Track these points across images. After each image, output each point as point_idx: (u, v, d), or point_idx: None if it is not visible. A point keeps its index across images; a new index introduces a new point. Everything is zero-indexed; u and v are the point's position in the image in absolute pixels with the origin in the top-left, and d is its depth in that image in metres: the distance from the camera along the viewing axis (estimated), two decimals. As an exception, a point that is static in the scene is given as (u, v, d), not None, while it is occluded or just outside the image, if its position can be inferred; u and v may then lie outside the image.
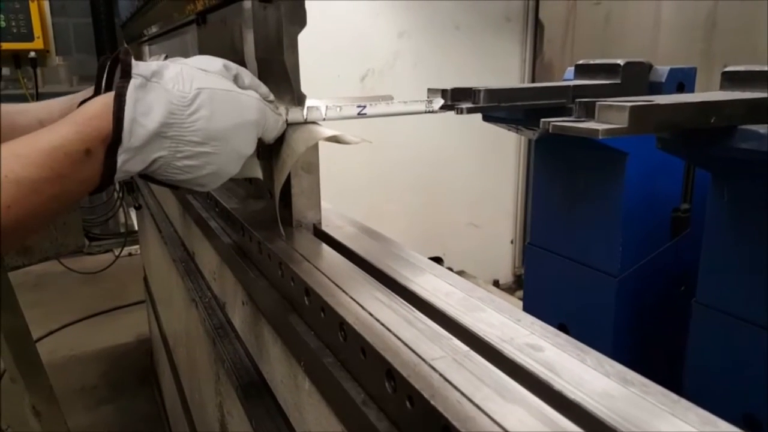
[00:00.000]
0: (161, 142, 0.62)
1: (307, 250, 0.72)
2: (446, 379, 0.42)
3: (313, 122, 0.77)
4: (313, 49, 2.02)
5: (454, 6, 2.38)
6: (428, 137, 2.43)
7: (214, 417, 1.21)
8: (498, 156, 2.67)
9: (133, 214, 4.13)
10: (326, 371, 0.55)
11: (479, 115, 0.96)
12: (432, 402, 0.40)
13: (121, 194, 4.17)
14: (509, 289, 2.75)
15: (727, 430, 0.34)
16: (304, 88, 0.79)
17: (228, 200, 1.01)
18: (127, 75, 0.61)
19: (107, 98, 0.61)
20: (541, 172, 1.15)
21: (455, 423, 0.37)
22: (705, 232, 0.81)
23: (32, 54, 3.94)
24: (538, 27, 2.52)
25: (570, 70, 1.02)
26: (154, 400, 2.77)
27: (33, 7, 3.89)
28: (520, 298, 2.15)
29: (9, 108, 0.80)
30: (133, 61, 0.63)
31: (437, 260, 2.56)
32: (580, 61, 0.98)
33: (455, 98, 0.84)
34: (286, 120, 0.76)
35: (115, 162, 0.61)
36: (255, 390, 0.85)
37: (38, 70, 4.01)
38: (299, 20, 0.75)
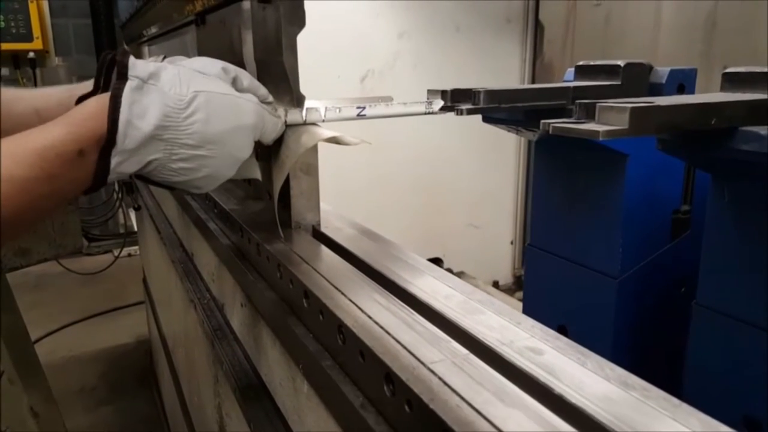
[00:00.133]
0: (156, 144, 0.62)
1: (306, 252, 0.72)
2: (445, 383, 0.42)
3: (312, 123, 0.77)
4: (313, 50, 2.02)
5: (454, 7, 2.38)
6: (428, 138, 2.43)
7: (212, 419, 1.20)
8: (498, 157, 2.67)
9: (132, 214, 4.13)
10: (325, 374, 0.55)
11: (479, 116, 0.95)
12: (431, 406, 0.39)
13: (120, 195, 4.17)
14: (509, 290, 2.74)
15: (729, 434, 0.34)
16: (304, 88, 0.78)
17: (227, 201, 1.01)
18: (123, 76, 0.61)
19: (103, 99, 0.61)
20: (541, 173, 1.15)
21: (454, 427, 0.37)
22: (705, 233, 0.80)
23: (31, 54, 3.94)
24: (538, 28, 2.52)
25: (570, 71, 1.02)
26: (154, 402, 2.76)
27: (32, 8, 3.90)
28: (519, 299, 2.15)
29: (7, 93, 0.80)
30: (131, 62, 0.62)
31: (437, 261, 2.55)
32: (581, 62, 0.98)
33: (455, 99, 0.84)
34: (285, 121, 0.75)
35: (109, 163, 0.60)
36: (253, 392, 0.84)
37: (37, 71, 4.01)
38: (298, 21, 0.75)
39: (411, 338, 0.49)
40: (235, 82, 0.70)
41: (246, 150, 0.69)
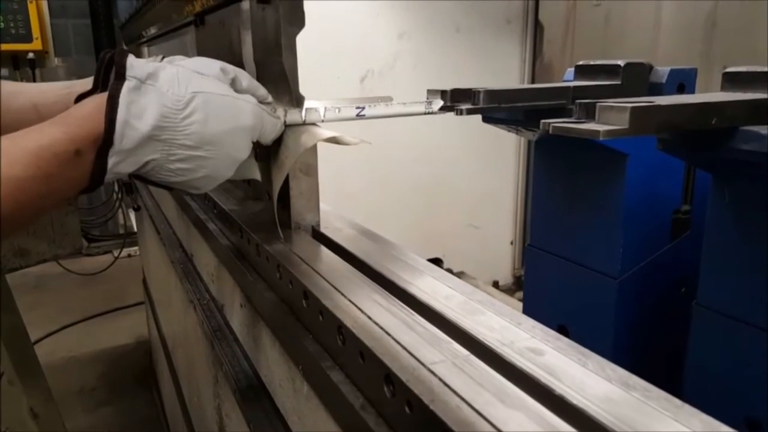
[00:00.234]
0: (154, 145, 0.62)
1: (305, 253, 0.72)
2: (446, 384, 0.42)
3: (312, 123, 0.77)
4: (313, 50, 2.02)
5: (454, 7, 2.38)
6: (428, 138, 2.43)
7: (212, 419, 1.20)
8: (498, 157, 2.66)
9: (132, 215, 4.12)
10: (324, 375, 0.54)
11: (479, 117, 0.95)
12: (431, 407, 0.39)
13: (120, 196, 4.17)
14: (509, 291, 2.74)
15: (731, 436, 0.34)
16: (303, 89, 0.78)
17: (226, 202, 1.00)
18: (121, 77, 0.61)
19: (100, 99, 0.61)
20: (541, 173, 1.15)
21: (455, 428, 0.37)
22: (705, 233, 0.80)
23: (31, 55, 3.93)
24: (537, 28, 2.52)
25: (570, 71, 1.01)
26: (153, 402, 2.76)
27: (32, 8, 3.89)
28: (519, 300, 2.15)
29: (7, 87, 0.80)
30: (130, 62, 0.62)
31: (437, 261, 2.55)
32: (581, 62, 0.98)
33: (455, 99, 0.84)
34: (285, 122, 0.75)
35: (106, 164, 0.60)
36: (253, 393, 0.84)
37: (37, 71, 4.00)
38: (298, 21, 0.75)
39: (411, 339, 0.49)
40: (233, 83, 0.70)
41: (244, 151, 0.69)
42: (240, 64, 0.89)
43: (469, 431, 0.37)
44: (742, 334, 0.76)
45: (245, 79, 0.72)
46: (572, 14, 2.35)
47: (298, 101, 0.77)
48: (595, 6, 2.24)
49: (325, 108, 0.76)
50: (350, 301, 0.57)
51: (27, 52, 3.93)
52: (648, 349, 1.03)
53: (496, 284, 2.75)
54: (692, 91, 0.93)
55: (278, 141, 0.76)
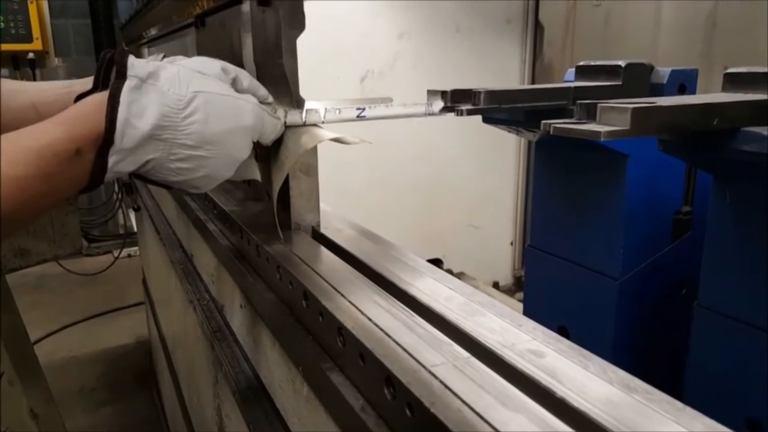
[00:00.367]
0: (154, 144, 0.62)
1: (305, 253, 0.71)
2: (447, 386, 0.41)
3: (312, 124, 0.76)
4: (313, 50, 2.01)
5: (454, 7, 2.38)
6: (428, 138, 2.43)
7: (212, 420, 1.20)
8: (498, 157, 2.66)
9: (132, 215, 4.12)
10: (325, 377, 0.54)
11: (479, 117, 0.95)
12: (432, 410, 0.39)
13: (120, 196, 4.17)
14: (509, 291, 2.74)
15: (733, 438, 0.34)
16: (303, 89, 0.78)
17: (226, 202, 1.00)
18: (122, 76, 0.61)
19: (101, 98, 0.60)
20: (541, 173, 1.15)
21: (456, 431, 0.37)
22: (707, 234, 0.80)
23: (31, 55, 3.93)
24: (538, 28, 2.52)
25: (570, 72, 1.01)
26: (153, 403, 2.76)
27: (32, 8, 3.89)
28: (520, 300, 2.15)
29: (6, 86, 0.80)
30: (131, 61, 0.62)
31: (437, 262, 2.55)
32: (581, 63, 0.97)
33: (455, 100, 0.83)
34: (285, 122, 0.75)
35: (106, 162, 0.60)
36: (253, 394, 0.84)
37: (37, 72, 4.00)
38: (298, 24, 0.74)
39: (411, 341, 0.49)
40: (234, 83, 0.70)
41: (245, 151, 0.69)
42: (240, 65, 0.89)
43: (470, 434, 0.37)
44: (744, 335, 0.75)
45: (246, 79, 0.72)
46: (572, 14, 2.35)
47: (298, 104, 0.77)
48: (596, 6, 2.23)
49: (326, 109, 0.76)
50: (350, 302, 0.57)
51: (27, 52, 3.93)
52: (649, 351, 1.03)
53: (496, 285, 2.75)
54: (693, 92, 0.93)
55: (278, 141, 0.76)
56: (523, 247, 2.67)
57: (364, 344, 0.49)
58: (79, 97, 0.64)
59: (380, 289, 0.61)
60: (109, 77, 0.64)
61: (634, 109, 0.57)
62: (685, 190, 1.01)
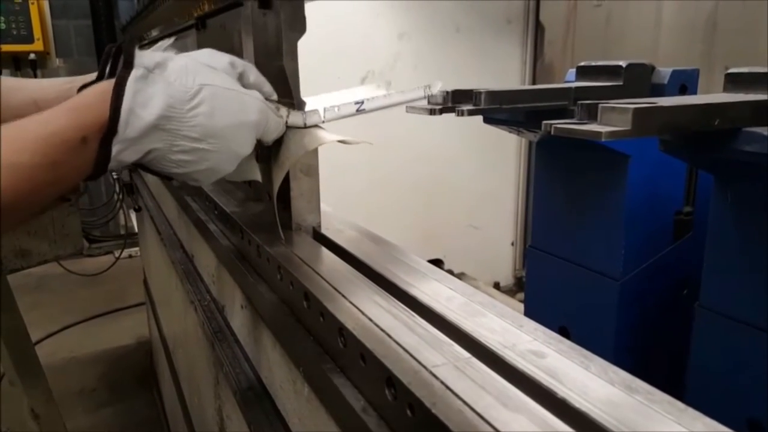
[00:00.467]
0: (158, 134, 0.61)
1: (306, 254, 0.71)
2: (448, 387, 0.41)
3: (314, 125, 0.76)
4: (313, 51, 2.01)
5: (454, 7, 2.37)
6: (428, 138, 2.43)
7: (213, 421, 1.20)
8: (498, 158, 2.66)
9: (133, 216, 4.12)
10: (325, 377, 0.54)
11: (480, 117, 0.95)
12: (433, 410, 0.39)
13: (121, 196, 4.17)
14: (510, 292, 2.74)
15: (735, 439, 0.34)
16: (304, 89, 0.78)
17: (227, 203, 1.00)
18: (129, 65, 0.61)
19: (106, 86, 0.60)
20: (542, 174, 1.15)
21: (457, 431, 0.37)
22: (708, 235, 0.80)
23: (32, 56, 3.94)
24: (538, 29, 2.52)
25: (571, 72, 1.01)
26: (154, 403, 2.76)
27: (33, 9, 3.90)
28: (520, 301, 2.15)
29: (7, 83, 0.80)
30: (138, 51, 0.62)
31: (437, 262, 2.55)
32: (582, 63, 0.97)
33: (456, 100, 0.83)
34: (287, 122, 0.75)
35: (110, 151, 0.60)
36: (254, 395, 0.84)
37: (38, 72, 4.01)
38: (299, 26, 0.74)
39: (412, 341, 0.49)
40: (241, 77, 0.70)
41: (247, 146, 0.69)
42: (241, 65, 0.89)
43: (471, 434, 0.37)
44: (745, 336, 0.75)
45: (253, 73, 0.72)
46: (573, 15, 2.35)
47: (299, 106, 0.77)
48: (596, 6, 2.23)
49: (324, 108, 0.76)
50: (351, 302, 0.57)
51: (28, 52, 3.94)
52: (650, 351, 1.02)
53: (497, 285, 2.75)
54: (694, 92, 0.93)
55: (278, 141, 0.76)
56: (524, 248, 2.67)
57: (365, 345, 0.49)
58: (83, 87, 0.63)
59: (381, 289, 0.61)
60: (116, 68, 0.64)
61: (635, 109, 0.57)
62: (686, 190, 1.01)
